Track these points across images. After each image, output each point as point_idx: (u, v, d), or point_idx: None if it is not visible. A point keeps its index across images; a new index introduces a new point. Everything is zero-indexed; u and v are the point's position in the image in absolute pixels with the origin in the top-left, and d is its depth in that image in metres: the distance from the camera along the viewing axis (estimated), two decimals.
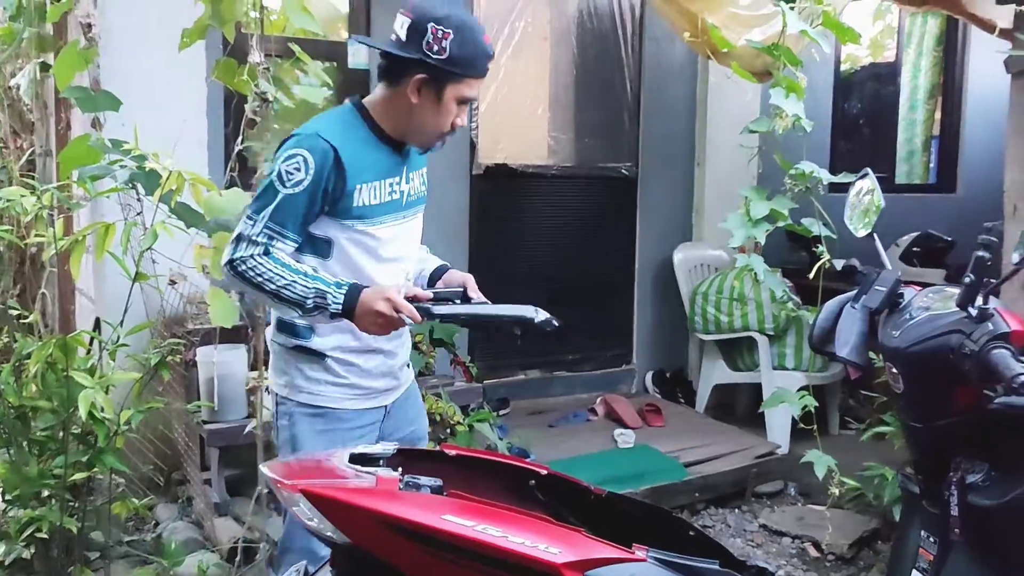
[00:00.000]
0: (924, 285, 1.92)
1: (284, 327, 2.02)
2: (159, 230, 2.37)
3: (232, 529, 3.02)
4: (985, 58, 5.98)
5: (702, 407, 4.82)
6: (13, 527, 2.41)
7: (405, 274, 2.10)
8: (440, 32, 1.86)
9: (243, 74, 2.63)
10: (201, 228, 2.52)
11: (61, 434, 2.43)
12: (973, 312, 1.58)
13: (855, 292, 1.90)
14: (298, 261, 1.92)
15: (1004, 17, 3.35)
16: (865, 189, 2.06)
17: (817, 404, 3.36)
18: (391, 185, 2.00)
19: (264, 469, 1.59)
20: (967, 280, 1.60)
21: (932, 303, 1.73)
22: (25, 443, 2.43)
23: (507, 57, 4.62)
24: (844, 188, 2.20)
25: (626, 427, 4.25)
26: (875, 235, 1.99)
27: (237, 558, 2.70)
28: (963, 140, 6.45)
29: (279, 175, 1.86)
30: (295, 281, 1.83)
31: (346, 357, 2.01)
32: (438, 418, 3.28)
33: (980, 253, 1.59)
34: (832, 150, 5.79)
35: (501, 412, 4.40)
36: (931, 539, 1.76)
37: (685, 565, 1.52)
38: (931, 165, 6.60)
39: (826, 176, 3.26)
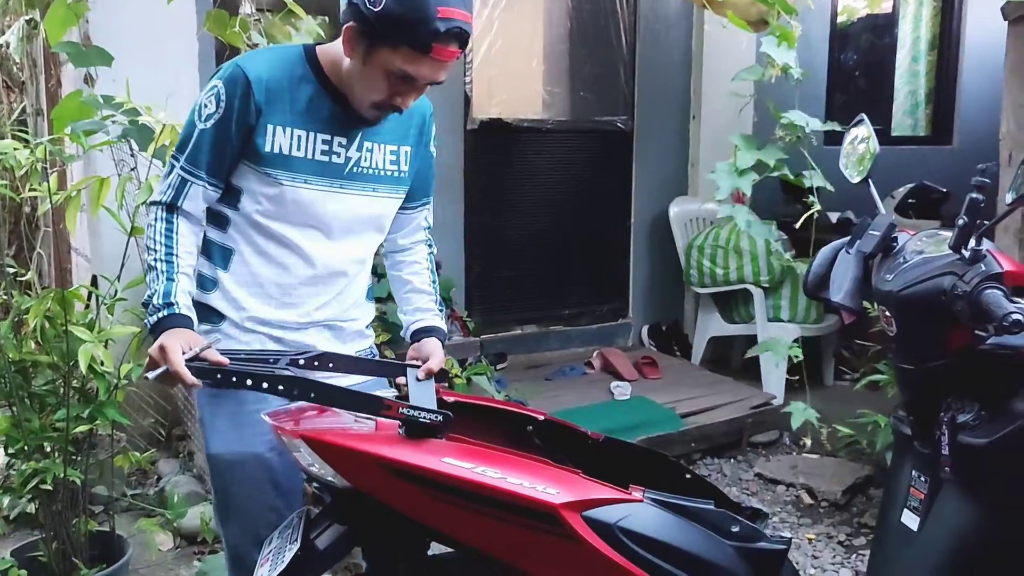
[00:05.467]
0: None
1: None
2: (154, 184, 2.36)
3: None
4: (982, 9, 5.95)
5: (698, 359, 4.85)
6: (17, 480, 2.43)
7: (338, 267, 1.81)
8: None
9: (235, 26, 2.61)
10: None
11: (62, 389, 2.45)
12: (966, 254, 1.59)
13: (850, 238, 1.91)
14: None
15: None
16: (860, 136, 2.06)
17: (803, 355, 3.41)
18: (326, 143, 1.71)
19: (264, 416, 1.60)
20: (960, 222, 1.60)
21: (926, 246, 1.74)
22: (26, 397, 2.44)
23: (500, 9, 4.56)
24: (839, 139, 2.20)
25: (622, 380, 4.29)
26: (870, 181, 1.98)
27: None
28: (960, 92, 6.42)
29: (196, 109, 1.69)
30: (156, 268, 1.67)
31: None
32: None
33: (974, 195, 1.59)
34: (828, 101, 5.76)
35: (498, 366, 4.44)
36: (922, 478, 1.79)
37: (681, 505, 1.55)
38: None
39: (815, 125, 3.26)
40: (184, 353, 1.52)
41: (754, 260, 4.46)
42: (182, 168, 1.70)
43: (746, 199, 3.40)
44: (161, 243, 1.69)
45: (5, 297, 2.55)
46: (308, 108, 1.70)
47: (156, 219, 1.71)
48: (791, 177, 3.24)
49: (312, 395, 1.54)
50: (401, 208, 1.90)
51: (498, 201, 4.73)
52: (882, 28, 6.26)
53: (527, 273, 4.88)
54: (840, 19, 6.00)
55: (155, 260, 1.68)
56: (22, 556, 2.57)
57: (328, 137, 1.72)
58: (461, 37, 1.57)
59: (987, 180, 1.60)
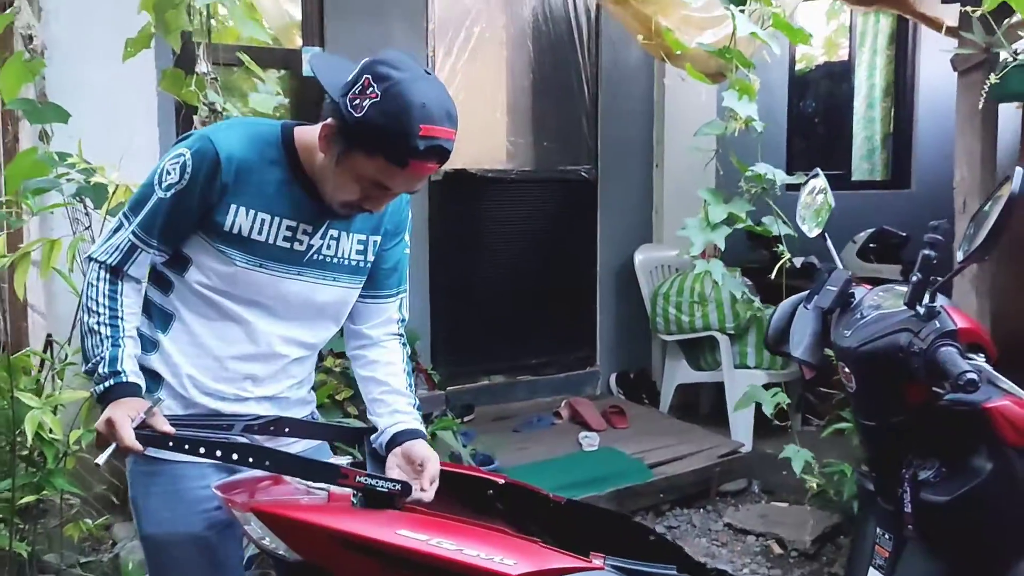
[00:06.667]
0: (878, 282, 1.95)
1: None
2: None
3: None
4: (935, 56, 6.10)
5: (666, 407, 4.83)
6: None
7: (281, 349, 1.72)
8: (370, 88, 1.47)
9: (191, 84, 2.59)
10: None
11: (8, 457, 2.37)
12: (920, 310, 1.60)
13: (808, 292, 1.92)
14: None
15: (950, 16, 3.40)
16: (817, 189, 2.08)
17: (789, 400, 3.40)
18: (291, 229, 1.63)
19: (214, 489, 1.56)
20: (914, 279, 1.61)
21: (882, 302, 1.74)
22: None
23: (464, 62, 4.61)
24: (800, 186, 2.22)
25: (591, 430, 4.25)
26: (826, 235, 2.00)
27: None
28: (916, 137, 6.56)
29: (158, 174, 1.60)
30: (99, 332, 1.59)
31: None
32: None
33: (926, 251, 1.60)
34: (788, 149, 5.86)
35: (465, 419, 4.38)
36: (886, 536, 1.77)
37: (642, 572, 1.52)
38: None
39: (782, 177, 3.29)
40: (133, 420, 1.47)
41: (719, 307, 4.48)
42: (133, 233, 1.62)
43: (719, 252, 3.40)
44: (105, 305, 1.61)
45: None
46: (277, 192, 1.62)
47: (99, 279, 1.63)
48: (756, 228, 3.25)
49: (268, 464, 1.50)
50: (371, 297, 1.81)
51: (463, 251, 4.72)
52: (839, 75, 6.40)
53: (493, 323, 4.85)
54: (799, 66, 6.13)
55: (98, 324, 1.60)
56: None
57: (294, 223, 1.64)
58: (441, 154, 1.50)
59: (940, 237, 1.61)
